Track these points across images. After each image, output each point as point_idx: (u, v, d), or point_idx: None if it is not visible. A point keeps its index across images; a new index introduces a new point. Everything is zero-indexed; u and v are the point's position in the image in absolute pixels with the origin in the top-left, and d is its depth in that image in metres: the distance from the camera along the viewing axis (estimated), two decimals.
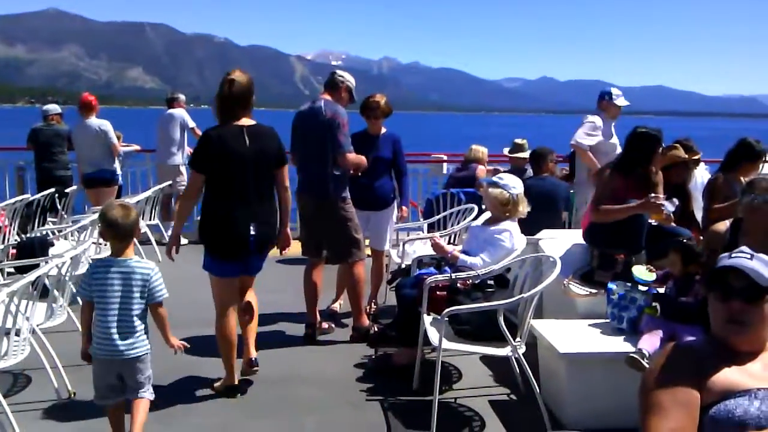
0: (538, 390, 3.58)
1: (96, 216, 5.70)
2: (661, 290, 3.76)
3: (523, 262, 4.05)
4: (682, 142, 5.27)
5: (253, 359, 4.13)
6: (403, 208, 5.61)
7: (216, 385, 4.06)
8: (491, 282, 4.08)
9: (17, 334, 3.47)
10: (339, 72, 5.01)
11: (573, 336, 3.75)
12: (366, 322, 4.95)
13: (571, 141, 6.38)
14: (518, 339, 3.64)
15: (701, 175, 5.69)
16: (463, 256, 4.29)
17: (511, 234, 4.26)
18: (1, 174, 9.11)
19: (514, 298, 3.69)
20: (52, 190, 7.14)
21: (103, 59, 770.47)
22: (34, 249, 5.33)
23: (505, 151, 7.11)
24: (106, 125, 7.57)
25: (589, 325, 3.93)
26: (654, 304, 3.72)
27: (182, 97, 8.77)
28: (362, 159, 4.91)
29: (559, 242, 4.80)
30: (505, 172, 6.00)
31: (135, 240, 3.62)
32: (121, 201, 3.68)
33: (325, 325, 5.05)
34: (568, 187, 6.27)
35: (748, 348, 1.92)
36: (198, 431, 3.58)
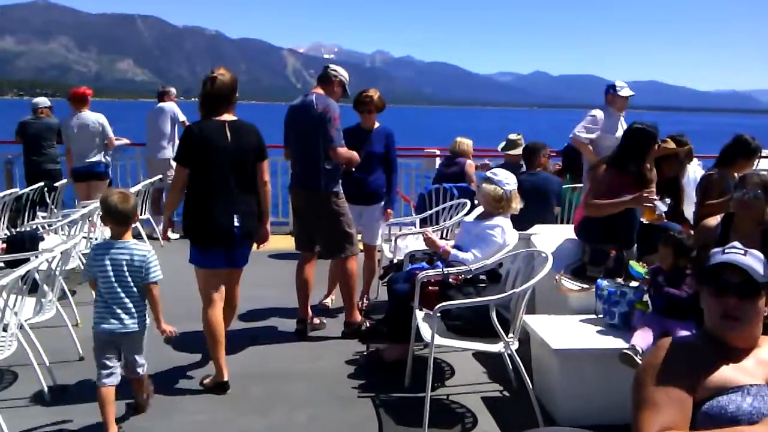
0: (530, 386, 3.58)
1: (86, 210, 5.68)
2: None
3: (516, 257, 4.04)
4: (675, 137, 5.27)
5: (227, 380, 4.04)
6: (388, 210, 5.49)
7: (205, 381, 4.04)
8: (483, 277, 4.08)
9: (5, 329, 3.44)
10: (332, 66, 4.98)
11: (565, 332, 3.75)
12: (358, 317, 4.94)
13: (570, 135, 6.43)
14: (511, 335, 3.63)
15: (694, 170, 5.69)
16: (455, 251, 4.28)
17: (503, 229, 4.25)
18: None
19: (506, 294, 3.68)
20: (42, 184, 7.08)
21: (93, 51, 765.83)
22: (23, 243, 5.29)
23: (499, 147, 7.08)
24: (103, 119, 7.51)
25: (582, 320, 3.93)
26: (644, 298, 3.73)
27: (173, 90, 8.71)
28: (354, 154, 4.88)
29: (552, 237, 4.80)
30: (498, 166, 5.98)
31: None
32: (119, 189, 3.85)
33: (316, 320, 5.04)
34: (561, 182, 6.27)
35: (741, 344, 1.93)
36: (187, 427, 3.56)
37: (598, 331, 3.77)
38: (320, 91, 4.83)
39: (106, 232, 6.17)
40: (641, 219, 4.36)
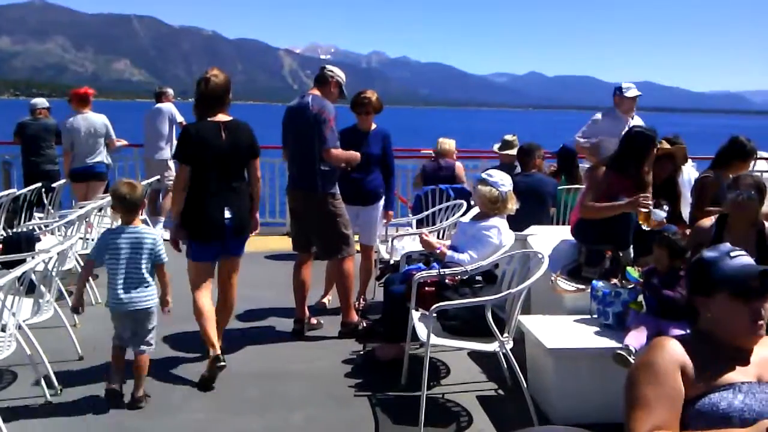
0: (525, 385, 3.61)
1: (83, 211, 5.69)
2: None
3: (511, 258, 4.07)
4: (670, 139, 5.30)
5: (220, 357, 4.11)
6: (389, 212, 5.55)
7: (204, 373, 4.05)
8: (479, 278, 4.10)
9: (3, 329, 3.45)
10: (329, 67, 5.00)
11: (560, 331, 3.78)
12: (355, 317, 4.96)
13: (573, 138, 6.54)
14: (506, 334, 3.66)
15: (688, 172, 5.72)
16: (451, 252, 4.30)
17: (499, 230, 4.27)
18: None
19: (501, 294, 3.71)
20: (39, 184, 7.07)
21: (89, 51, 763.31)
22: (20, 244, 5.29)
23: (495, 147, 7.10)
24: (107, 120, 7.50)
25: (576, 320, 3.95)
26: (639, 299, 3.76)
27: (170, 91, 8.70)
28: (351, 155, 4.90)
29: (547, 238, 4.82)
30: (493, 168, 6.00)
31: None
32: (127, 179, 4.07)
33: (313, 320, 5.06)
34: (556, 183, 6.29)
35: (751, 345, 1.95)
36: (184, 426, 3.57)
37: (593, 331, 3.79)
38: (317, 92, 4.84)
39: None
40: (642, 226, 4.35)
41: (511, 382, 3.96)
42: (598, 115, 6.56)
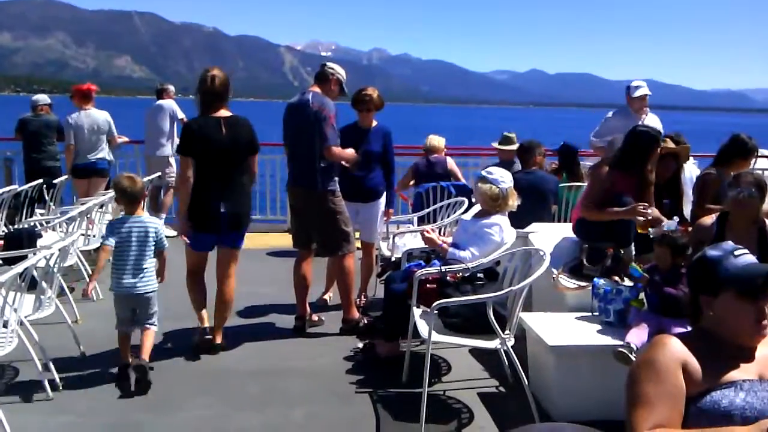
0: (526, 382, 3.60)
1: (84, 207, 5.69)
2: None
3: (513, 256, 4.07)
4: (673, 137, 5.30)
5: (207, 329, 4.56)
6: (390, 210, 5.56)
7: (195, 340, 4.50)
8: (481, 275, 4.10)
9: (5, 325, 3.46)
10: (329, 64, 4.99)
11: (561, 329, 3.78)
12: (356, 314, 4.96)
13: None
14: (507, 332, 3.66)
15: (690, 169, 5.72)
16: (452, 249, 4.30)
17: (500, 228, 4.27)
18: None
19: (503, 291, 3.71)
20: (40, 181, 7.07)
21: (90, 47, 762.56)
22: (21, 240, 5.30)
23: (494, 144, 7.10)
24: (109, 116, 7.51)
25: (578, 318, 3.96)
26: (640, 296, 3.75)
27: (171, 88, 8.70)
28: (349, 153, 4.89)
29: (549, 235, 4.82)
30: (494, 165, 6.00)
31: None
32: (127, 173, 4.37)
33: (315, 317, 5.06)
34: (557, 180, 6.29)
35: (754, 344, 1.95)
36: (184, 423, 3.58)
37: (594, 329, 3.79)
38: (317, 89, 4.84)
39: (104, 230, 6.21)
40: (647, 233, 4.33)
41: (512, 379, 3.97)
42: (610, 114, 6.59)
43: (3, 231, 5.98)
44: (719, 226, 3.83)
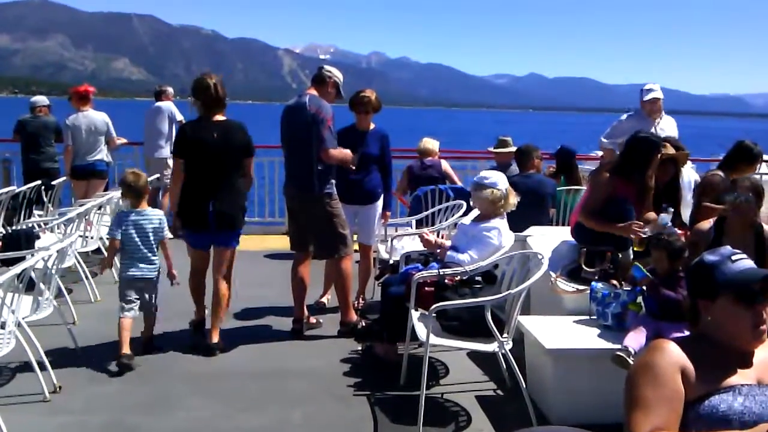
0: (524, 385, 3.61)
1: (82, 209, 5.69)
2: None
3: (511, 259, 4.07)
4: (671, 141, 5.31)
5: (213, 343, 4.58)
6: (387, 213, 5.55)
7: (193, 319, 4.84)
8: (479, 278, 4.10)
9: (2, 327, 3.46)
10: (326, 67, 4.99)
11: (559, 332, 3.78)
12: (354, 316, 4.96)
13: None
14: (505, 335, 3.66)
15: (688, 174, 5.73)
16: (451, 253, 4.30)
17: (499, 231, 4.27)
18: None
19: (501, 295, 3.72)
20: (39, 182, 7.07)
21: (89, 50, 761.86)
22: (20, 241, 5.30)
23: (491, 149, 7.12)
24: (108, 118, 7.51)
25: (576, 321, 3.96)
26: (638, 300, 3.76)
27: (170, 90, 8.70)
28: (347, 154, 4.90)
29: (547, 239, 4.83)
30: (491, 168, 6.00)
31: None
32: (133, 169, 4.82)
33: (312, 319, 5.06)
34: (555, 184, 6.29)
35: (753, 349, 1.95)
36: (183, 424, 3.57)
37: (592, 332, 3.80)
38: (314, 92, 4.84)
39: (103, 231, 6.22)
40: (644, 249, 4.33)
41: (510, 383, 3.97)
42: (624, 116, 6.61)
43: (1, 232, 5.97)
44: (716, 230, 3.84)
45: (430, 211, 6.29)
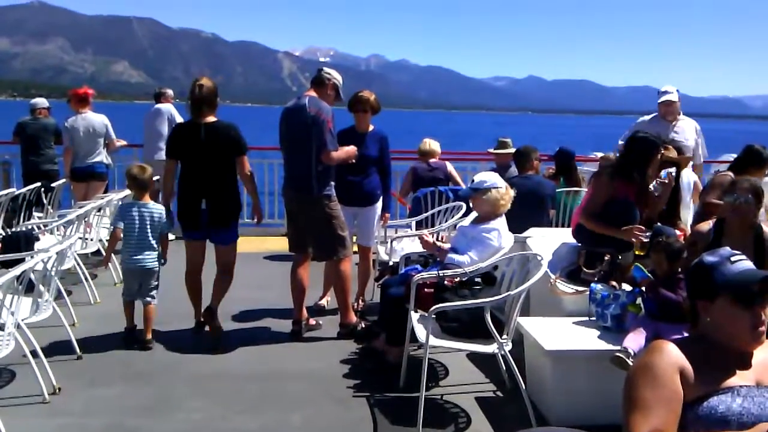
0: (523, 386, 3.61)
1: (82, 211, 5.69)
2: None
3: (511, 260, 4.08)
4: (677, 145, 5.34)
5: (211, 308, 4.82)
6: (386, 214, 5.57)
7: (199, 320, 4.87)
8: (478, 280, 4.10)
9: (2, 328, 3.46)
10: (326, 69, 5.00)
11: (558, 333, 3.79)
12: (353, 318, 4.96)
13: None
14: (505, 336, 3.66)
15: (687, 176, 5.74)
16: (450, 254, 4.31)
17: (499, 233, 4.28)
18: None
19: (501, 296, 3.72)
20: (38, 184, 7.08)
21: (88, 53, 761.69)
22: (19, 243, 5.30)
23: (490, 150, 7.13)
24: (107, 120, 7.52)
25: (575, 322, 3.96)
26: (637, 301, 3.76)
27: (170, 92, 8.70)
28: (349, 151, 4.90)
29: (547, 240, 4.83)
30: (490, 170, 6.01)
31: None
32: (138, 163, 5.13)
33: (312, 321, 5.06)
34: (554, 185, 6.30)
35: (752, 350, 1.95)
36: (182, 426, 3.57)
37: (591, 333, 3.80)
38: (313, 93, 4.84)
39: (102, 233, 6.22)
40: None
41: (509, 384, 3.97)
42: (643, 118, 6.66)
43: (1, 234, 5.97)
44: (716, 231, 3.85)
45: (430, 212, 6.29)
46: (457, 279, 4.09)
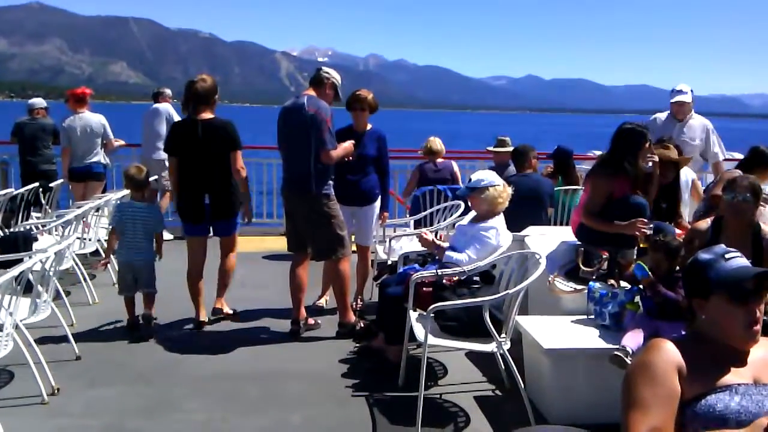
0: (522, 385, 3.61)
1: (80, 211, 5.69)
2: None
3: (509, 259, 4.08)
4: (677, 145, 5.34)
5: (217, 308, 5.19)
6: (385, 213, 5.57)
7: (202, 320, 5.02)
8: (477, 278, 4.10)
9: (0, 329, 3.45)
10: (325, 68, 4.99)
11: (557, 332, 3.79)
12: (352, 318, 4.96)
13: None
14: (503, 335, 3.66)
15: (686, 174, 5.75)
16: (449, 253, 4.30)
17: (497, 231, 4.28)
18: None
19: (499, 295, 3.72)
20: (37, 184, 7.07)
21: (86, 54, 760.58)
22: (17, 244, 5.29)
23: (489, 148, 7.13)
24: (104, 120, 7.52)
25: (573, 321, 3.96)
26: (635, 300, 3.76)
27: (168, 91, 8.70)
28: (347, 148, 4.90)
29: (545, 239, 4.83)
30: (489, 168, 6.02)
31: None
32: (136, 164, 5.37)
33: (311, 320, 5.06)
34: (552, 183, 6.30)
35: (748, 348, 1.95)
36: (181, 426, 3.57)
37: (590, 332, 3.80)
38: (312, 92, 4.84)
39: (101, 233, 6.22)
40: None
41: (508, 383, 3.97)
42: (657, 115, 6.73)
43: None
44: (714, 229, 3.85)
45: (429, 211, 6.30)
46: (456, 278, 4.09)
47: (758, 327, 1.92)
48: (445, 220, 5.85)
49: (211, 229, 5.12)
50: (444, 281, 4.04)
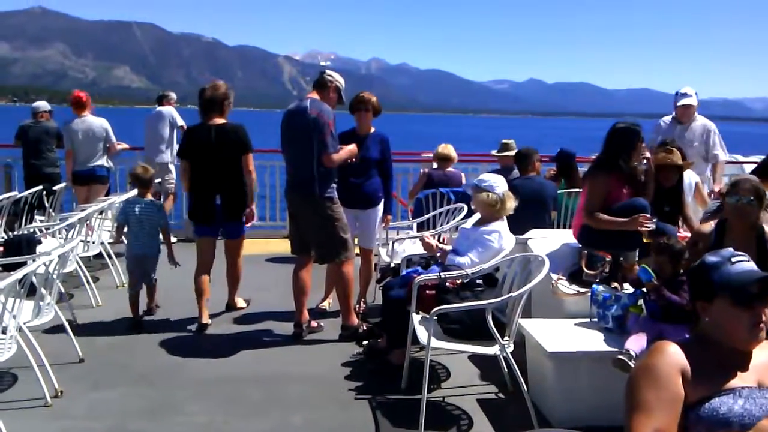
0: (525, 388, 3.61)
1: (84, 214, 5.71)
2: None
3: (512, 262, 4.07)
4: (681, 150, 5.33)
5: (230, 305, 5.50)
6: (388, 216, 5.55)
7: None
8: (480, 281, 4.10)
9: (4, 332, 3.46)
10: (328, 72, 5.01)
11: (560, 335, 3.79)
12: (355, 320, 4.95)
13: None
14: (506, 338, 3.66)
15: (689, 176, 5.74)
16: (451, 256, 4.30)
17: (500, 234, 4.28)
18: None
19: (502, 298, 3.72)
20: (40, 187, 7.09)
21: (89, 58, 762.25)
22: (21, 247, 5.31)
23: (494, 152, 7.14)
24: (107, 123, 7.54)
25: (576, 324, 3.96)
26: (639, 303, 3.75)
27: (173, 95, 8.74)
28: (350, 150, 4.90)
29: (548, 242, 4.83)
30: (493, 171, 6.02)
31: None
32: (142, 164, 5.67)
33: (314, 323, 5.05)
34: (556, 186, 6.30)
35: (751, 349, 1.95)
36: (185, 429, 3.57)
37: (593, 335, 3.80)
38: (315, 96, 4.85)
39: (104, 236, 6.24)
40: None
41: (511, 386, 3.97)
42: (664, 118, 6.80)
43: (2, 237, 5.98)
44: (718, 232, 3.84)
45: (432, 214, 6.29)
46: (459, 281, 4.09)
47: (762, 327, 1.92)
48: (448, 222, 5.85)
49: (220, 231, 5.29)
50: (447, 284, 4.04)
